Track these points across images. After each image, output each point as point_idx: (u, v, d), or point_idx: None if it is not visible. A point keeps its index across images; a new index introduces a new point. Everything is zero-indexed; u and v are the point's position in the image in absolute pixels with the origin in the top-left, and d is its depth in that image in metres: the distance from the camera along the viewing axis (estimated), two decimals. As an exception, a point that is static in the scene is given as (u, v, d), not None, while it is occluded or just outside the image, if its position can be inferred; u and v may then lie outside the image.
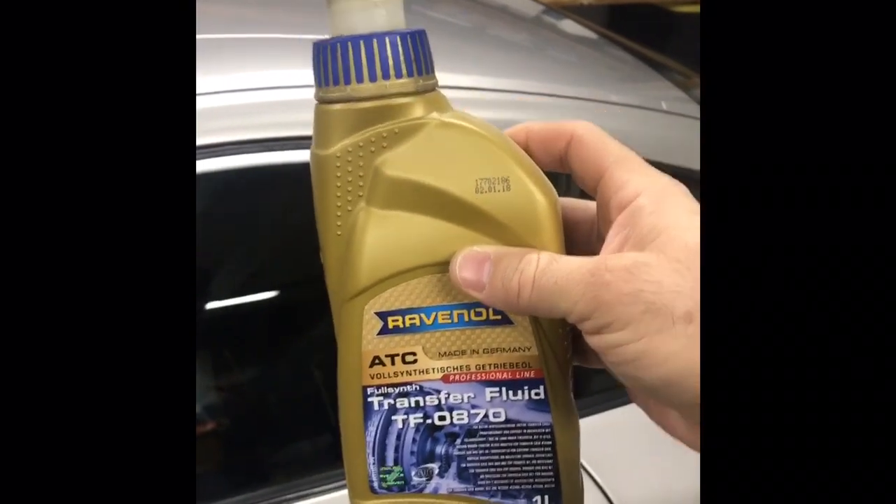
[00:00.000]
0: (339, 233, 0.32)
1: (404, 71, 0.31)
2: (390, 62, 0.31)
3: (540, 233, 0.31)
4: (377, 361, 0.32)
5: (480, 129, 0.32)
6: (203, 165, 0.76)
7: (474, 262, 0.31)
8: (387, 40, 0.31)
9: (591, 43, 1.42)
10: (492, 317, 0.32)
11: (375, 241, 0.31)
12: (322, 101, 0.32)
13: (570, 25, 1.46)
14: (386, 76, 0.31)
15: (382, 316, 0.32)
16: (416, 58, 0.31)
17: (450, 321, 0.32)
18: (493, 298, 0.30)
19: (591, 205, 0.34)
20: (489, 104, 0.97)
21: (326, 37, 0.32)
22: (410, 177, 0.31)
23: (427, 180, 0.31)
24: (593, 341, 0.29)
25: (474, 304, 0.32)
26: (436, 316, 0.32)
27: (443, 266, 0.31)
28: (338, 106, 0.31)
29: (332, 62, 0.31)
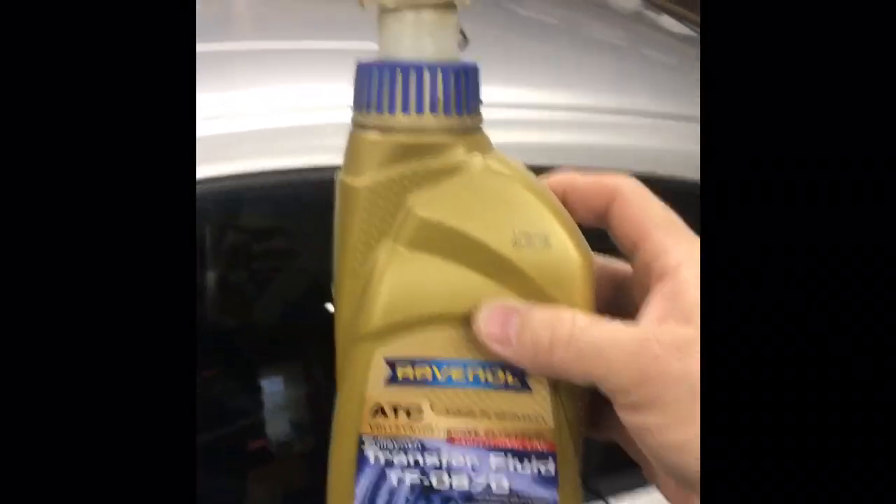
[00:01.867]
0: (357, 266, 0.30)
1: (452, 107, 0.29)
2: (438, 96, 0.29)
3: (574, 295, 0.29)
4: (380, 411, 0.30)
5: (523, 178, 0.30)
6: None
7: (502, 313, 0.29)
8: (438, 72, 0.29)
9: (694, 42, 1.35)
10: (509, 381, 0.30)
11: (396, 283, 0.30)
12: (358, 126, 0.30)
13: (669, 22, 1.39)
14: (432, 110, 0.29)
15: (392, 363, 0.30)
16: (464, 94, 0.29)
17: (463, 379, 0.30)
18: (520, 355, 0.28)
19: (615, 262, 0.32)
20: (577, 126, 0.94)
21: (370, 58, 0.30)
22: (444, 220, 0.29)
23: (461, 226, 0.29)
24: (629, 419, 0.27)
25: (491, 364, 0.30)
26: (449, 371, 0.30)
27: (464, 318, 0.29)
28: (374, 135, 0.29)
29: (375, 87, 0.29)
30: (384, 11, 0.29)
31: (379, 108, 0.29)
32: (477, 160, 0.29)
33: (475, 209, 0.29)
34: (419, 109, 0.29)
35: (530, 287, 0.29)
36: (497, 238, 0.29)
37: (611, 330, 0.27)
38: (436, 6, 0.29)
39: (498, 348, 0.28)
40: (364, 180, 0.29)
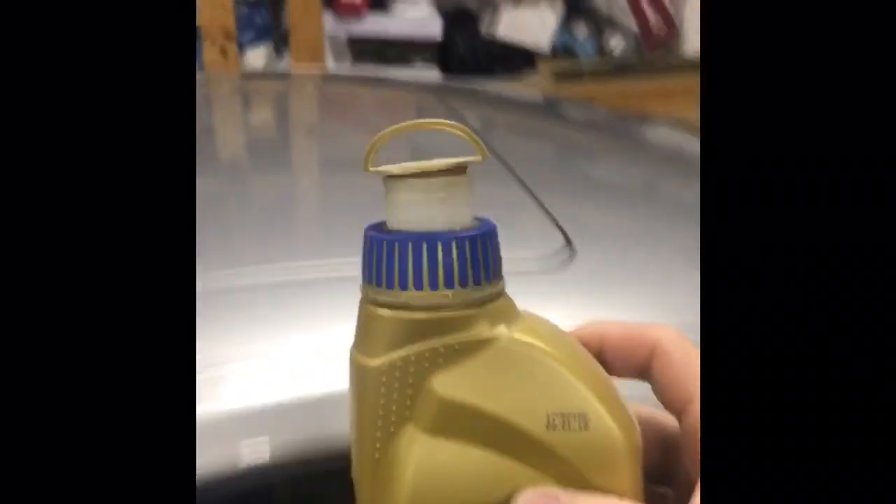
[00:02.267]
0: (377, 455, 0.28)
1: (470, 279, 0.27)
2: (454, 269, 0.27)
3: (620, 480, 0.27)
4: None
5: (556, 348, 0.28)
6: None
7: (541, 502, 0.26)
8: (452, 244, 0.27)
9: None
10: None
11: (421, 474, 0.27)
12: (371, 301, 0.28)
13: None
14: (448, 285, 0.27)
15: None
16: (481, 263, 0.27)
17: None
18: None
19: (667, 420, 0.30)
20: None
21: (380, 223, 0.28)
22: (469, 402, 0.27)
23: (489, 407, 0.27)
24: None
25: None
26: None
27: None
28: (389, 312, 0.27)
29: (385, 263, 0.27)
30: (390, 178, 0.27)
31: (390, 285, 0.27)
32: (502, 333, 0.27)
33: (503, 388, 0.27)
34: (433, 286, 0.27)
35: (569, 472, 0.27)
36: (529, 420, 0.27)
37: None
38: (446, 173, 0.27)
39: None
40: (378, 360, 0.27)
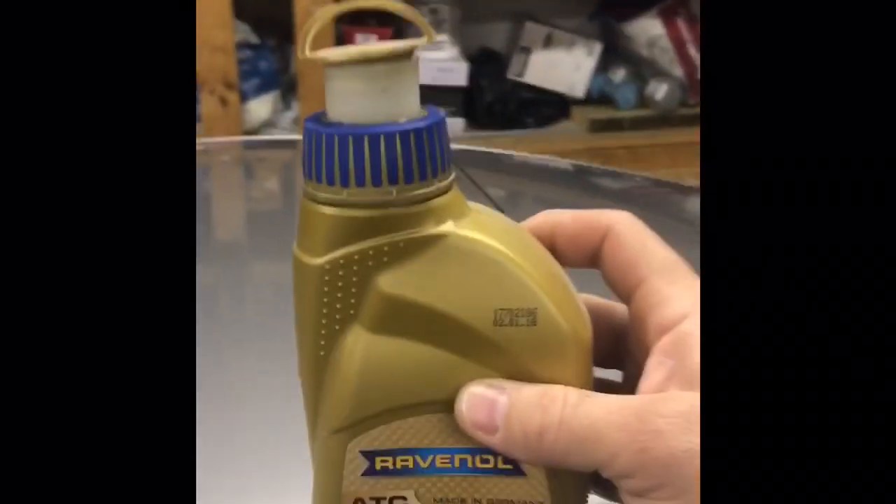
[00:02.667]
0: (321, 353, 0.27)
1: (416, 175, 0.26)
2: (398, 165, 0.25)
3: (566, 373, 0.27)
4: None
5: (504, 244, 0.27)
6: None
7: (485, 400, 0.26)
8: (396, 138, 0.25)
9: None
10: (500, 465, 0.28)
11: (366, 372, 0.27)
12: (310, 197, 0.26)
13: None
14: (392, 181, 0.25)
15: (369, 455, 0.28)
16: (428, 158, 0.26)
17: (450, 466, 0.28)
18: (509, 444, 0.26)
19: (616, 309, 0.30)
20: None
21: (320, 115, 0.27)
22: (416, 299, 0.26)
23: (435, 304, 0.26)
24: None
25: (480, 450, 0.27)
26: (433, 459, 0.28)
27: (446, 404, 0.27)
28: (330, 210, 0.26)
29: (325, 157, 0.25)
30: (329, 66, 0.26)
31: (331, 181, 0.25)
32: (449, 229, 0.26)
33: (449, 285, 0.26)
34: (376, 182, 0.25)
35: (517, 368, 0.27)
36: (476, 317, 0.26)
37: (607, 406, 0.25)
38: (389, 58, 0.25)
39: (485, 438, 0.26)
40: (321, 259, 0.26)
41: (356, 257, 0.26)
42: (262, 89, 1.73)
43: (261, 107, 1.73)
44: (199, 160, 1.15)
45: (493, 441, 0.26)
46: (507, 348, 0.26)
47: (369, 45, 0.26)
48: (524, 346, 0.26)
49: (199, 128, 1.74)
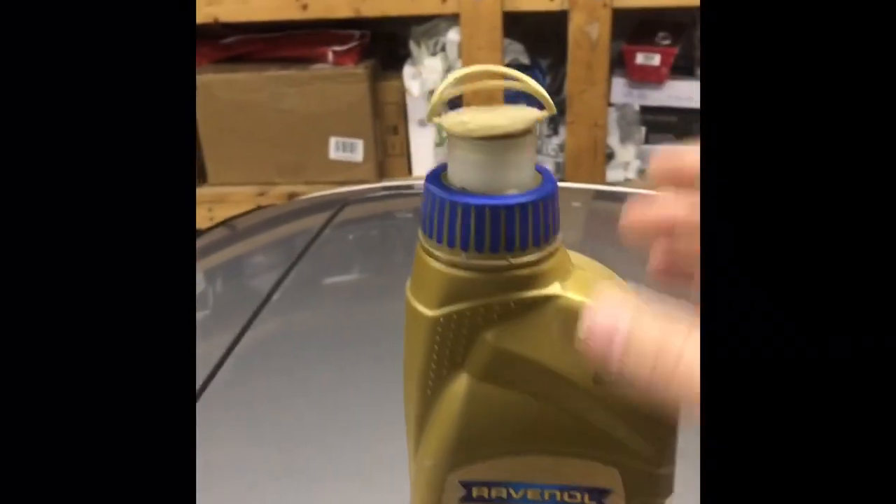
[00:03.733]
0: (428, 392, 0.29)
1: (530, 243, 0.27)
2: (515, 235, 0.27)
3: (662, 428, 0.29)
4: None
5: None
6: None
7: (607, 328, 0.25)
8: (515, 211, 0.26)
9: None
10: (587, 501, 0.30)
11: (470, 416, 0.29)
12: (429, 254, 0.28)
13: None
14: (509, 249, 0.27)
15: (467, 485, 0.30)
16: (543, 224, 0.27)
17: (539, 499, 0.30)
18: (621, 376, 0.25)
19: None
20: None
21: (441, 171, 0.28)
22: (521, 352, 0.28)
23: (539, 359, 0.28)
24: None
25: (569, 486, 0.30)
26: (525, 492, 0.30)
27: (542, 450, 0.29)
28: (447, 269, 0.27)
29: (448, 222, 0.27)
30: (454, 135, 0.27)
31: (450, 244, 0.27)
32: (555, 291, 0.28)
33: (554, 343, 0.28)
34: (494, 250, 0.27)
35: (613, 421, 0.28)
36: (577, 374, 0.28)
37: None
38: (512, 135, 0.26)
39: (600, 363, 0.26)
40: (435, 312, 0.28)
41: (468, 313, 0.28)
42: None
43: (526, 131, 1.63)
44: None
45: (608, 368, 0.25)
46: (605, 404, 0.28)
47: (494, 111, 0.27)
48: (621, 401, 0.27)
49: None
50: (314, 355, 0.64)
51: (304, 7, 1.60)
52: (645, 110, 1.70)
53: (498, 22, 1.53)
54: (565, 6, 1.52)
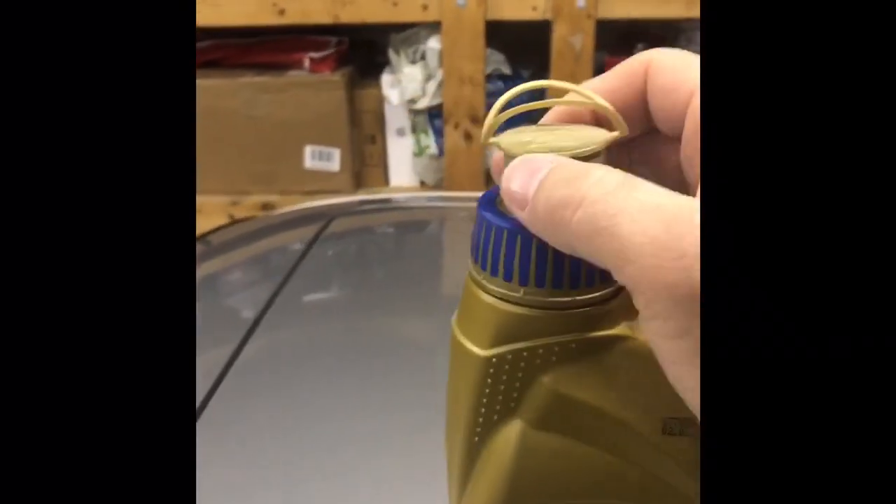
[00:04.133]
0: (476, 439, 0.26)
1: (596, 277, 0.24)
2: (581, 271, 0.24)
3: None
4: None
5: None
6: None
7: (527, 170, 0.23)
8: None
9: None
10: None
11: (523, 466, 0.26)
12: (482, 288, 0.25)
13: None
14: (573, 286, 0.24)
15: None
16: None
17: None
18: (533, 218, 0.23)
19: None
20: None
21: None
22: (583, 398, 0.25)
23: (603, 406, 0.25)
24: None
25: None
26: None
27: (599, 501, 0.27)
28: (504, 305, 0.25)
29: (505, 254, 0.24)
30: (509, 157, 0.25)
31: (507, 278, 0.24)
32: (623, 332, 0.25)
33: (620, 388, 0.25)
34: (558, 286, 0.24)
35: (681, 478, 0.26)
36: (645, 423, 0.26)
37: (641, 201, 0.21)
38: (577, 159, 0.24)
39: (517, 211, 0.24)
40: (488, 351, 0.25)
41: (525, 354, 0.25)
42: (511, 124, 1.59)
43: (508, 143, 1.60)
44: (435, 214, 1.05)
45: (522, 214, 0.23)
46: (673, 457, 0.26)
47: (557, 131, 0.26)
48: (691, 456, 0.26)
49: (439, 163, 1.64)
50: (312, 374, 0.63)
51: (281, 12, 1.55)
52: (626, 123, 1.68)
53: (480, 30, 1.50)
54: (548, 16, 1.50)
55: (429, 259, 0.88)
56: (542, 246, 0.24)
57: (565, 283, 0.24)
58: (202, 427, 0.54)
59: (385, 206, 1.10)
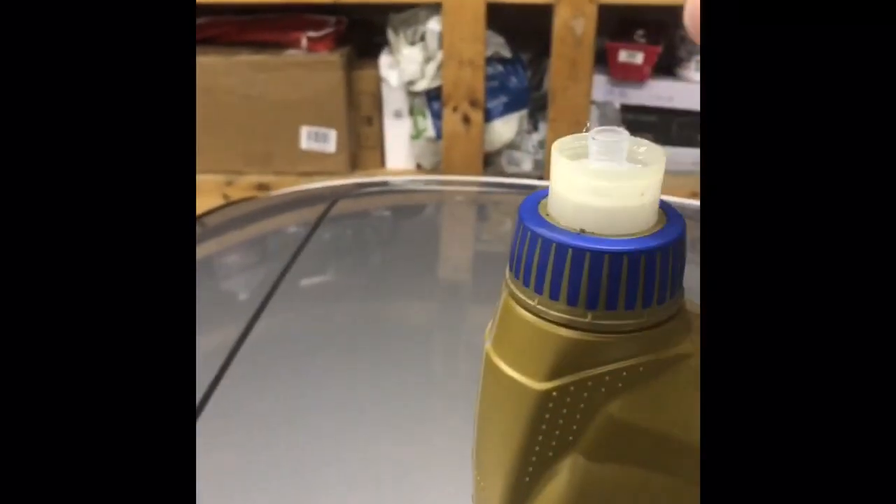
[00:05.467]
0: (526, 479, 0.24)
1: (668, 293, 0.22)
2: (656, 284, 0.22)
3: None
4: None
5: None
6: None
7: None
8: (642, 260, 0.21)
9: None
10: None
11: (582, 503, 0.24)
12: (534, 312, 0.23)
13: None
14: (647, 303, 0.22)
15: None
16: (671, 277, 0.22)
17: None
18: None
19: None
20: None
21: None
22: (650, 425, 0.23)
23: (670, 431, 0.23)
24: None
25: None
26: None
27: None
28: (566, 332, 0.22)
29: (570, 274, 0.21)
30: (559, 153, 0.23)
31: (572, 302, 0.22)
32: (689, 350, 0.23)
33: (687, 410, 0.23)
34: (630, 306, 0.22)
35: None
36: None
37: None
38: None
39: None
40: (546, 383, 0.23)
41: (589, 383, 0.23)
42: (509, 108, 1.58)
43: (505, 127, 1.58)
44: (433, 198, 1.04)
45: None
46: None
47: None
48: None
49: (436, 146, 1.62)
50: (319, 359, 0.62)
51: (279, -10, 1.53)
52: (625, 109, 1.66)
53: (481, 13, 1.49)
54: (551, 0, 1.48)
55: (433, 244, 0.87)
56: (618, 263, 0.22)
57: (638, 303, 0.22)
58: (209, 413, 0.53)
59: (385, 188, 1.08)
